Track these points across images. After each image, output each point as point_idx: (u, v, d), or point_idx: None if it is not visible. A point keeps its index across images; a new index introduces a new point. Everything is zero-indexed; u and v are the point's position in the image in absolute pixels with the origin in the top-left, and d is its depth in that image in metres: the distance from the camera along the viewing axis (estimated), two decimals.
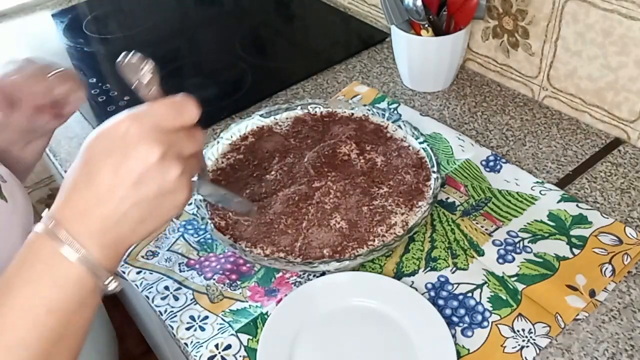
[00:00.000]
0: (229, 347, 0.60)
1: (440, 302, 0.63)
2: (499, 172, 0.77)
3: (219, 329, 0.62)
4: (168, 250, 0.71)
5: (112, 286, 0.41)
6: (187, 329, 0.62)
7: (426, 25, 0.85)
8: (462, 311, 0.62)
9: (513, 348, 0.58)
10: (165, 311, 0.64)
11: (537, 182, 0.75)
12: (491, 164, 0.78)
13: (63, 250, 0.38)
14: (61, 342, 0.40)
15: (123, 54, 0.43)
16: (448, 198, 0.74)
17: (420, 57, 0.89)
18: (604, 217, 0.69)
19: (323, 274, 0.65)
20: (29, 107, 0.57)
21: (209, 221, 0.67)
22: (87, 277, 0.39)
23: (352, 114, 0.83)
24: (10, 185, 0.51)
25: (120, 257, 0.42)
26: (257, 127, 0.83)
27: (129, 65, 0.43)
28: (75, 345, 0.42)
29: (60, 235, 0.38)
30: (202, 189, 0.55)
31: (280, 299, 0.63)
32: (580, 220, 0.69)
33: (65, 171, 0.85)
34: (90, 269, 0.39)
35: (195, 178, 0.49)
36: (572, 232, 0.68)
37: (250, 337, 0.61)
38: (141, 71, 0.43)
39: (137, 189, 0.39)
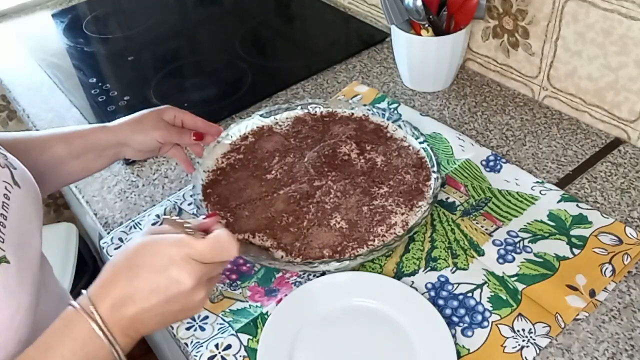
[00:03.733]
0: (229, 347, 0.60)
1: (440, 302, 0.63)
2: (499, 172, 0.77)
3: (219, 329, 0.62)
4: None
5: None
6: (187, 329, 0.62)
7: (426, 25, 0.85)
8: (462, 311, 0.62)
9: (513, 348, 0.58)
10: None
11: (537, 182, 0.75)
12: (491, 163, 0.78)
13: (99, 332, 0.46)
14: None
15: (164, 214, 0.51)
16: (448, 198, 0.74)
17: (420, 57, 0.89)
18: (604, 217, 0.69)
19: (323, 274, 0.65)
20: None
21: None
22: (110, 356, 0.47)
23: (352, 113, 0.83)
24: (20, 172, 0.56)
25: (134, 343, 0.49)
26: (257, 127, 0.83)
27: (170, 221, 0.51)
28: None
29: (97, 319, 0.46)
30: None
31: (280, 299, 0.63)
32: (580, 220, 0.69)
33: None
34: (114, 351, 0.47)
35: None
36: (572, 232, 0.68)
37: (250, 337, 0.61)
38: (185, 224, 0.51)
39: (165, 304, 0.47)
